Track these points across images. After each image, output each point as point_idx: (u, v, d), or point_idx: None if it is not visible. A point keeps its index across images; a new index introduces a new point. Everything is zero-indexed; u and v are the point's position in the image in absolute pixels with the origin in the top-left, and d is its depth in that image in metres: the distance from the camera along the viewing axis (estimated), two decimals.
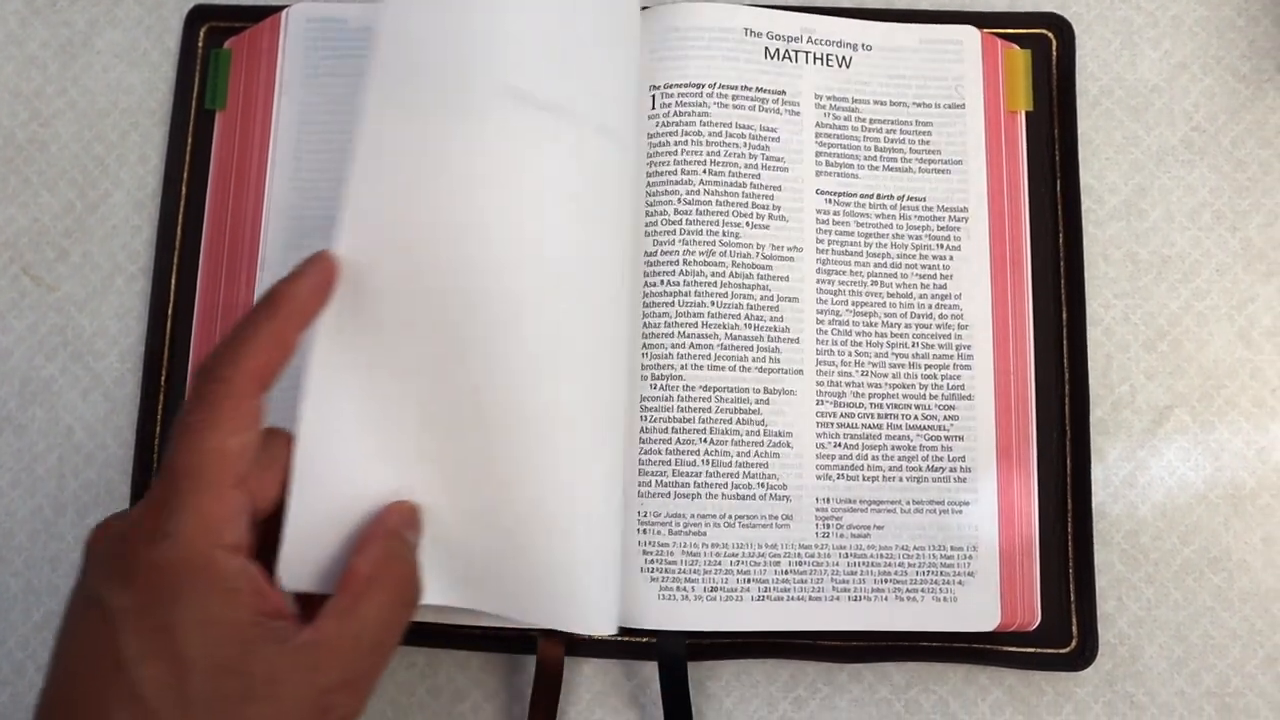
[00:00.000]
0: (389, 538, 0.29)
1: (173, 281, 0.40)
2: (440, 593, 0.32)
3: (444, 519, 0.32)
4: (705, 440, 0.36)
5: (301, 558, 0.29)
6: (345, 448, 0.30)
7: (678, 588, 0.36)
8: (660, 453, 0.36)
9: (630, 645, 0.37)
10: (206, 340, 0.39)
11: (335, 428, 0.30)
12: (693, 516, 0.36)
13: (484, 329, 0.31)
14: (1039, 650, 0.37)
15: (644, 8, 0.40)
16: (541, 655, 0.36)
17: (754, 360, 0.37)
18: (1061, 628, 0.37)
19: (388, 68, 0.30)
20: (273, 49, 0.41)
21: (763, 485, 0.36)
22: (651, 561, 0.36)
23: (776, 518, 0.36)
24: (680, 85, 0.38)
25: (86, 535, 0.28)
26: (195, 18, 0.42)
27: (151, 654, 0.25)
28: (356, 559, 0.28)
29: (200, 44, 0.42)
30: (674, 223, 0.38)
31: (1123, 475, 0.39)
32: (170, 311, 0.40)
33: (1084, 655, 0.37)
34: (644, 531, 0.36)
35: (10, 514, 0.40)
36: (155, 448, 0.39)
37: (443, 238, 0.30)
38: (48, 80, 0.43)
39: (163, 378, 0.40)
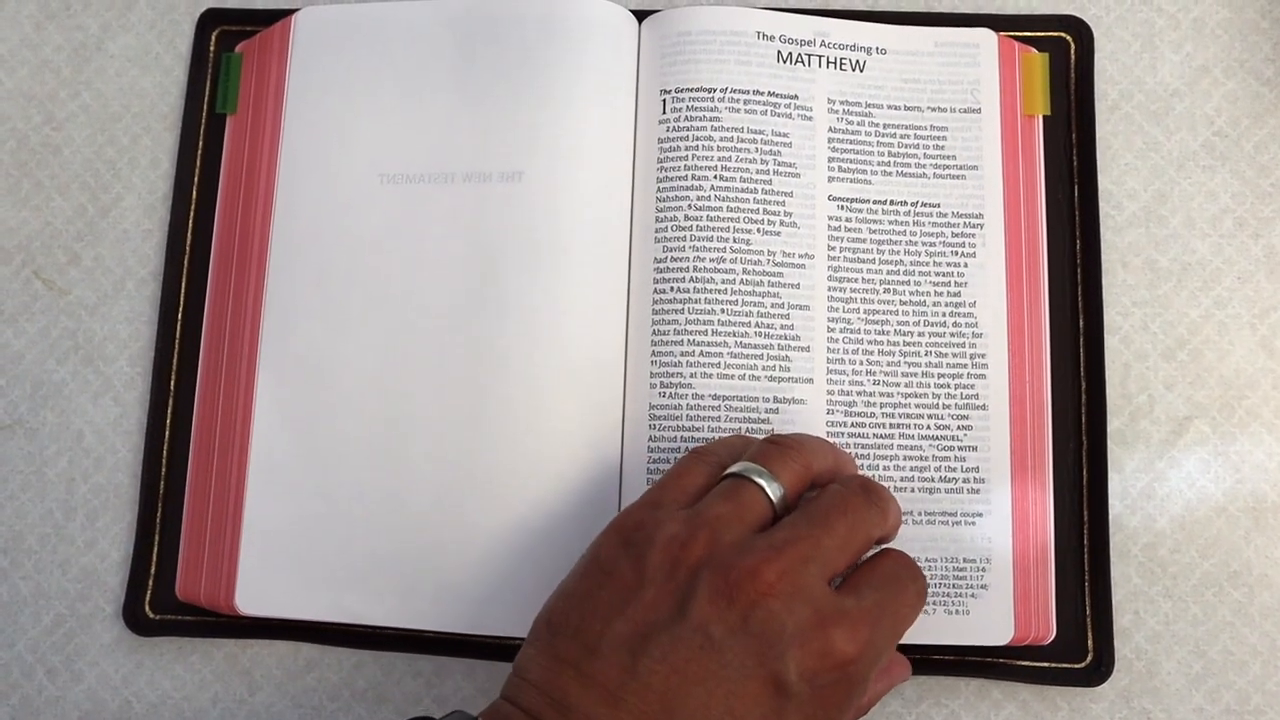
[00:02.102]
0: (901, 568, 0.31)
1: (183, 286, 0.40)
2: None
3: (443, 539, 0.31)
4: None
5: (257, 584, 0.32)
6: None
7: None
8: (669, 462, 0.36)
9: None
10: (215, 344, 0.39)
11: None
12: None
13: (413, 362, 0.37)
14: (1054, 665, 0.36)
15: (651, 13, 0.40)
16: None
17: (764, 369, 0.36)
18: (1077, 642, 0.36)
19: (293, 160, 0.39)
20: (283, 53, 0.40)
21: None
22: None
23: None
24: (691, 90, 0.38)
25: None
26: (207, 21, 0.42)
27: (754, 684, 0.27)
28: (875, 577, 0.31)
29: (212, 48, 0.42)
30: (684, 229, 0.37)
31: (1140, 487, 0.38)
32: (180, 316, 0.40)
33: (1100, 670, 0.36)
34: None
35: (21, 517, 0.40)
36: (164, 452, 0.39)
37: (356, 288, 0.38)
38: (61, 84, 0.43)
39: (172, 382, 0.40)
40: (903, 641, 0.35)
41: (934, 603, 0.36)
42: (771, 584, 0.28)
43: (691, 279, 0.37)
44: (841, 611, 0.28)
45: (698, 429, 0.36)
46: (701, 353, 0.36)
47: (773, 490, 0.30)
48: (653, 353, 0.36)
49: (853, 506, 0.30)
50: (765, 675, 0.27)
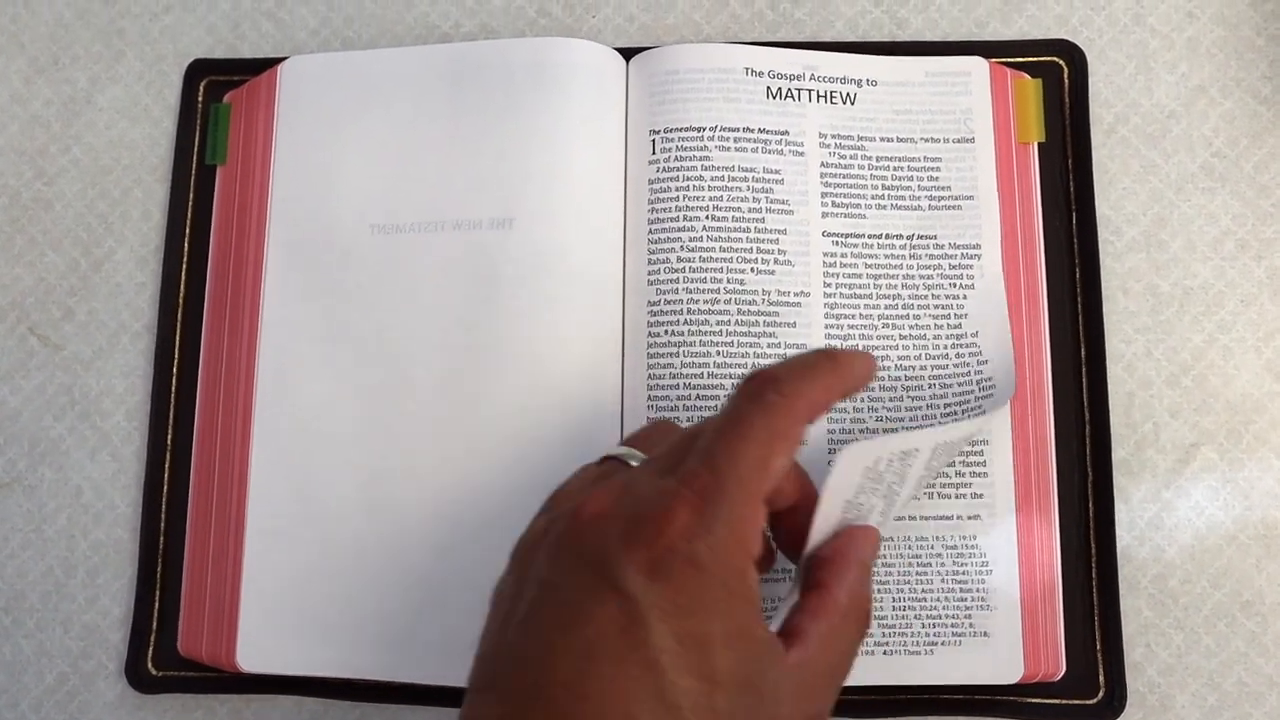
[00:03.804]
0: (862, 568, 0.28)
1: (177, 338, 0.40)
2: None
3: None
4: None
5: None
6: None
7: None
8: None
9: None
10: (211, 397, 0.39)
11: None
12: None
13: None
14: (1065, 701, 0.35)
15: (638, 51, 0.40)
16: None
17: None
18: (1088, 677, 0.36)
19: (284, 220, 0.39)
20: (270, 102, 0.40)
21: None
22: None
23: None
24: (680, 129, 0.38)
25: (569, 493, 0.27)
26: (195, 72, 0.42)
27: (686, 664, 0.24)
28: (833, 583, 0.27)
29: (200, 98, 0.42)
30: (677, 270, 0.37)
31: (1148, 517, 0.37)
32: (175, 369, 0.40)
33: (1112, 706, 0.35)
34: None
35: (22, 575, 0.40)
36: (162, 507, 0.39)
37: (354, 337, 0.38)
38: (51, 139, 0.43)
39: (169, 436, 0.39)
40: (910, 683, 0.35)
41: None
42: (593, 510, 0.26)
43: (686, 321, 0.36)
44: (662, 489, 0.25)
45: None
46: (698, 396, 0.36)
47: (637, 464, 0.28)
48: (649, 397, 0.36)
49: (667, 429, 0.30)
50: (607, 592, 0.24)
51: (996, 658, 0.35)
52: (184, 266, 0.41)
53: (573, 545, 0.25)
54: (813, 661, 0.26)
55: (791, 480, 0.29)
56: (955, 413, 0.37)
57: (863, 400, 0.37)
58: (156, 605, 0.38)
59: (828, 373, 0.28)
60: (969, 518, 0.36)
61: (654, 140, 0.38)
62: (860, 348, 0.37)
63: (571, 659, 0.24)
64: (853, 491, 0.29)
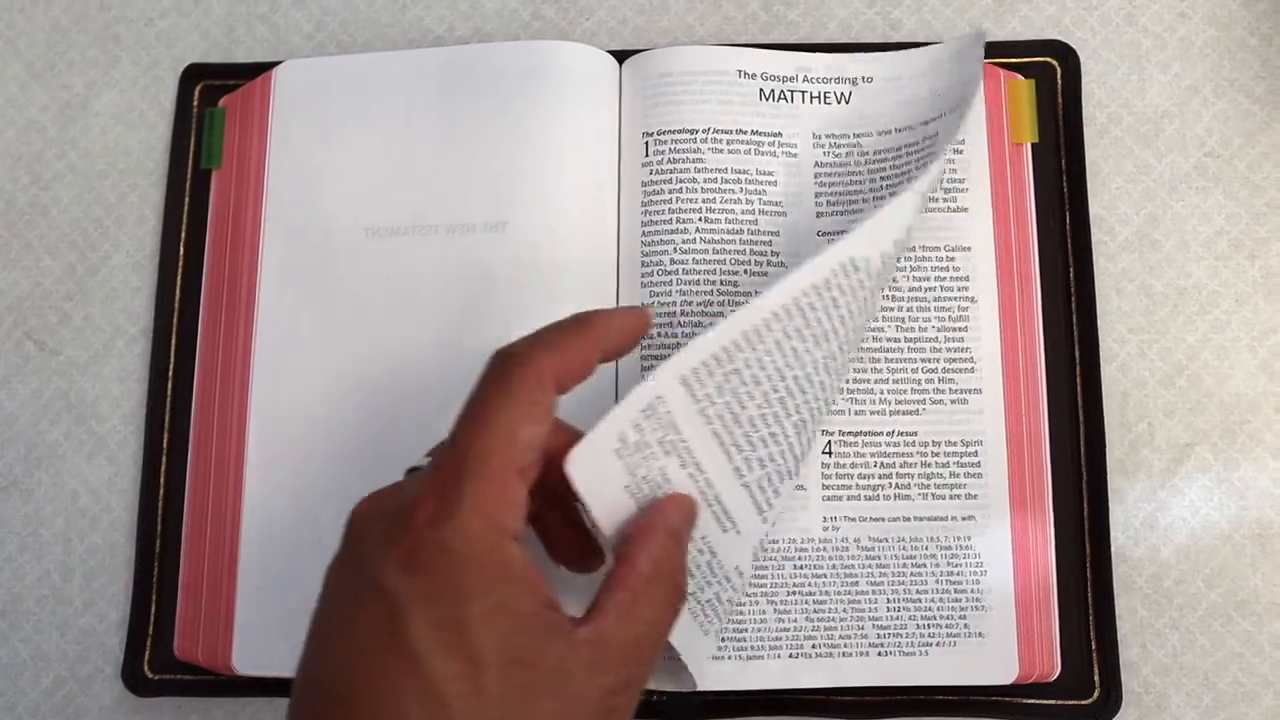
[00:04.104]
0: (668, 536, 0.28)
1: (173, 342, 0.40)
2: None
3: None
4: None
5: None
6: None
7: None
8: None
9: (640, 705, 0.36)
10: (207, 401, 0.39)
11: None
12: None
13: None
14: (1060, 702, 0.35)
15: (631, 54, 0.40)
16: None
17: None
18: (1083, 678, 0.36)
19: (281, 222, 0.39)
20: (265, 107, 0.40)
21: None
22: None
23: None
24: (673, 131, 0.38)
25: (354, 506, 0.26)
26: (190, 76, 0.42)
27: (446, 649, 0.23)
28: (636, 553, 0.27)
29: (195, 103, 0.42)
30: (670, 272, 0.37)
31: (1143, 517, 0.37)
32: (171, 373, 0.40)
33: (1107, 706, 0.35)
34: None
35: (18, 579, 0.40)
36: (159, 510, 0.39)
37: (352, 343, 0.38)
38: (47, 144, 0.43)
39: (165, 439, 0.39)
40: (905, 684, 0.35)
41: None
42: (358, 517, 0.26)
43: (679, 323, 0.36)
44: (414, 482, 0.26)
45: None
46: None
47: None
48: None
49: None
50: (368, 593, 0.24)
51: (991, 658, 0.35)
52: (180, 271, 0.41)
53: (344, 554, 0.26)
54: (610, 634, 0.25)
55: (569, 442, 0.28)
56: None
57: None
58: (153, 609, 0.38)
59: (575, 335, 0.27)
60: (963, 518, 0.36)
61: (647, 142, 0.38)
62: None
63: (344, 664, 0.24)
64: (619, 469, 0.28)
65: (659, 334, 0.37)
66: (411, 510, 0.25)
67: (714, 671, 0.35)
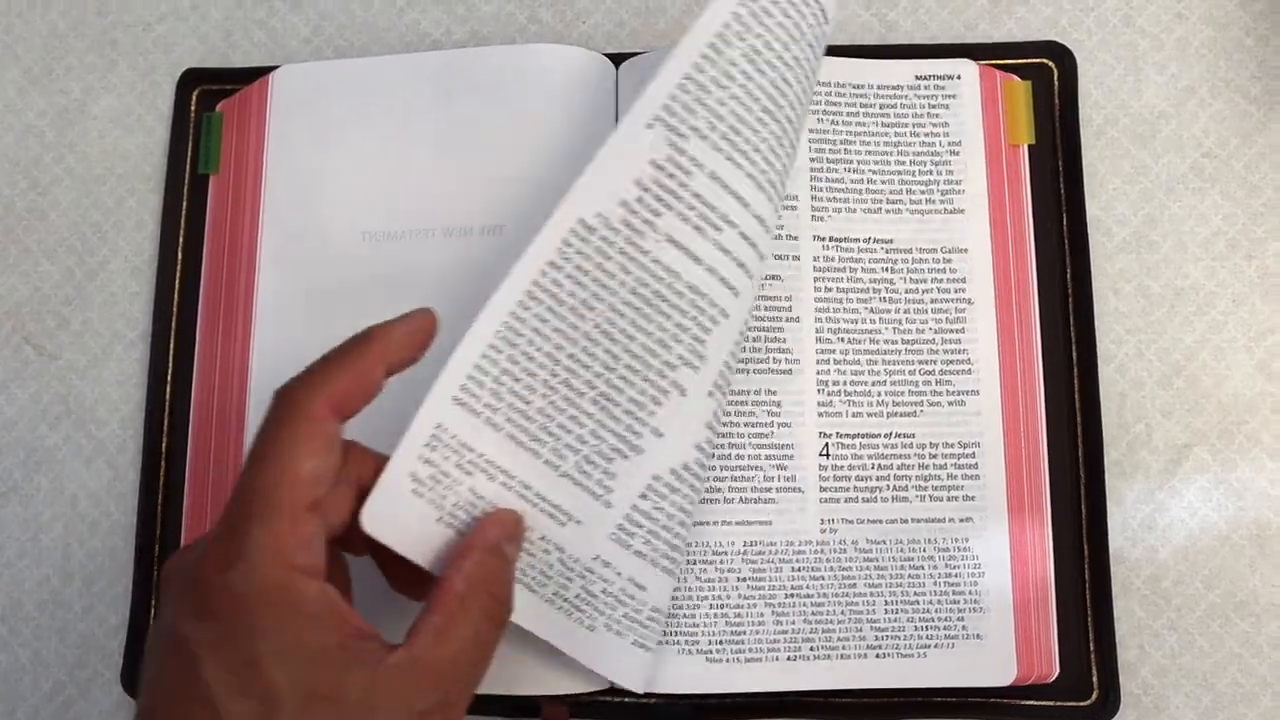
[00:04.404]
0: (486, 553, 0.28)
1: (171, 347, 0.40)
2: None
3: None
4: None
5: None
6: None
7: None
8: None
9: (636, 707, 0.36)
10: (205, 406, 0.39)
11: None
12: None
13: None
14: (1059, 703, 0.35)
15: (628, 56, 0.40)
16: (546, 717, 0.35)
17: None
18: (1082, 679, 0.36)
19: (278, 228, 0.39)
20: (262, 111, 0.40)
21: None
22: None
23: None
24: None
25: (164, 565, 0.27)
26: (187, 81, 0.43)
27: (238, 689, 0.24)
28: (452, 574, 0.27)
29: (193, 107, 0.42)
30: None
31: (1141, 518, 0.37)
32: (169, 377, 0.40)
33: (1106, 707, 0.35)
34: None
35: (18, 584, 0.40)
36: (158, 514, 0.39)
37: None
38: (45, 149, 0.43)
39: (164, 443, 0.39)
40: (903, 686, 0.35)
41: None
42: (164, 573, 0.27)
43: None
44: (211, 529, 0.26)
45: None
46: None
47: None
48: None
49: None
50: (170, 642, 0.25)
51: (990, 660, 0.35)
52: (178, 275, 0.41)
53: (156, 610, 0.27)
54: (423, 656, 0.26)
55: (350, 489, 0.28)
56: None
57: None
58: (153, 613, 0.38)
59: (353, 357, 0.27)
60: (960, 520, 0.36)
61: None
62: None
63: (152, 714, 0.25)
64: (424, 507, 0.29)
65: None
66: (202, 559, 0.25)
67: (708, 675, 0.35)
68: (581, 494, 0.31)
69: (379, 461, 0.29)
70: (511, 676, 0.34)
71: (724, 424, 0.36)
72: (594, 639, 0.32)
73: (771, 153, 0.32)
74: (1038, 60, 0.40)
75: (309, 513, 0.26)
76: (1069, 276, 0.38)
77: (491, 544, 0.28)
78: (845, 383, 0.37)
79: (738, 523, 0.35)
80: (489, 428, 0.30)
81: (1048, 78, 0.40)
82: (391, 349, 0.28)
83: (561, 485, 0.30)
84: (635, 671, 0.33)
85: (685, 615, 0.35)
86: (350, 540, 0.29)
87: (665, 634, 0.35)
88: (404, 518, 0.29)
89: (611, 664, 0.33)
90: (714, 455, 0.35)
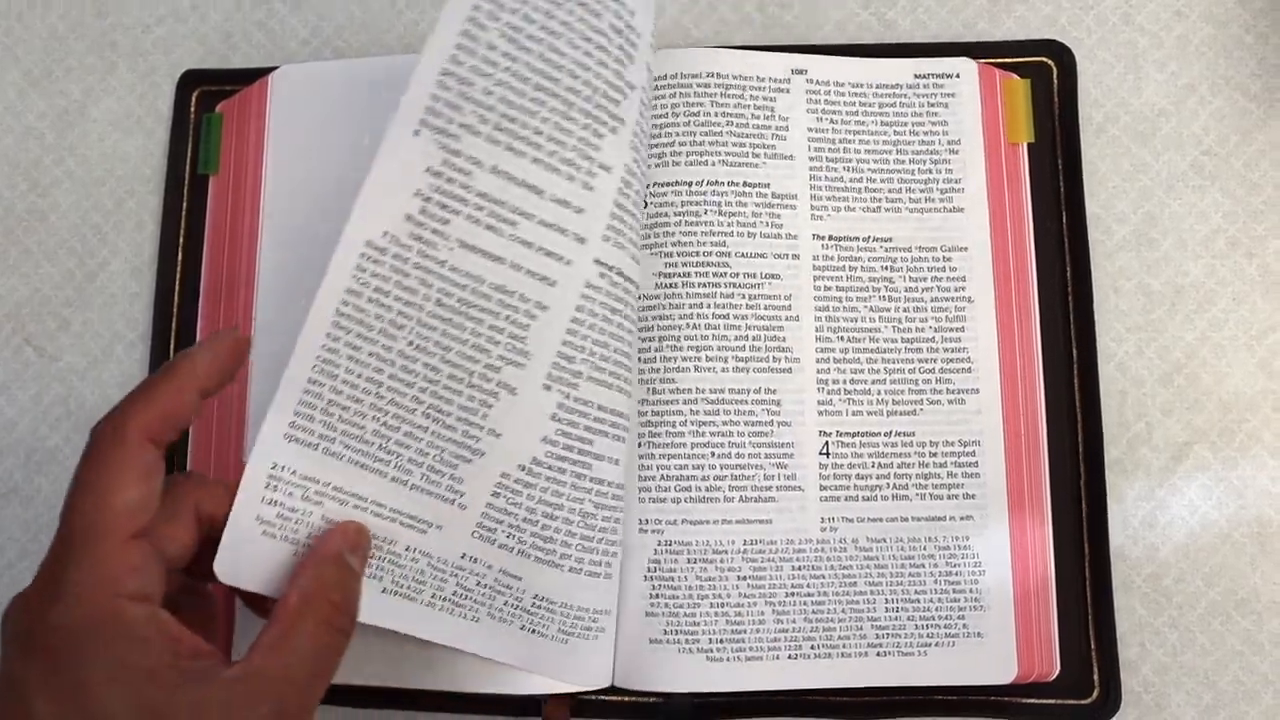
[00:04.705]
0: (322, 564, 0.29)
1: (171, 347, 0.40)
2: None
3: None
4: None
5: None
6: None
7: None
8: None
9: (636, 706, 0.36)
10: (205, 406, 0.39)
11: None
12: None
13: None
14: (1060, 702, 0.35)
15: None
16: (547, 716, 0.35)
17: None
18: (1082, 677, 0.36)
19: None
20: (261, 111, 0.40)
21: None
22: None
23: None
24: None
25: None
26: (187, 82, 0.43)
27: (66, 717, 0.24)
28: (290, 587, 0.28)
29: (192, 109, 0.42)
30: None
31: (1142, 516, 0.37)
32: None
33: (1107, 705, 0.35)
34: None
35: (18, 586, 0.39)
36: None
37: None
38: (45, 150, 0.43)
39: None
40: (904, 684, 0.35)
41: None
42: (5, 610, 0.27)
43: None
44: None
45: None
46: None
47: None
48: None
49: None
50: (4, 683, 0.25)
51: (990, 658, 0.35)
52: (178, 276, 0.41)
53: None
54: (259, 669, 0.26)
55: (217, 497, 0.29)
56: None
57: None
58: None
59: (163, 384, 0.28)
60: (961, 518, 0.36)
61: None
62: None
63: None
64: (277, 546, 0.29)
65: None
66: (29, 598, 0.26)
67: (708, 674, 0.35)
68: (434, 501, 0.31)
69: (220, 489, 0.29)
70: (513, 676, 0.34)
71: (725, 422, 0.36)
72: (480, 629, 0.33)
73: (558, 129, 0.31)
74: (1037, 58, 0.40)
75: (133, 541, 0.26)
76: (1069, 274, 0.38)
77: (330, 554, 0.29)
78: (845, 381, 0.37)
79: (738, 521, 0.35)
80: (329, 457, 0.30)
81: (1047, 76, 0.40)
82: (201, 373, 0.29)
83: (414, 497, 0.31)
84: (544, 659, 0.33)
85: (685, 614, 0.35)
86: (205, 571, 0.30)
87: (587, 628, 0.34)
88: (259, 559, 0.29)
89: (502, 650, 0.33)
90: (563, 443, 0.33)
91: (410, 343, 0.30)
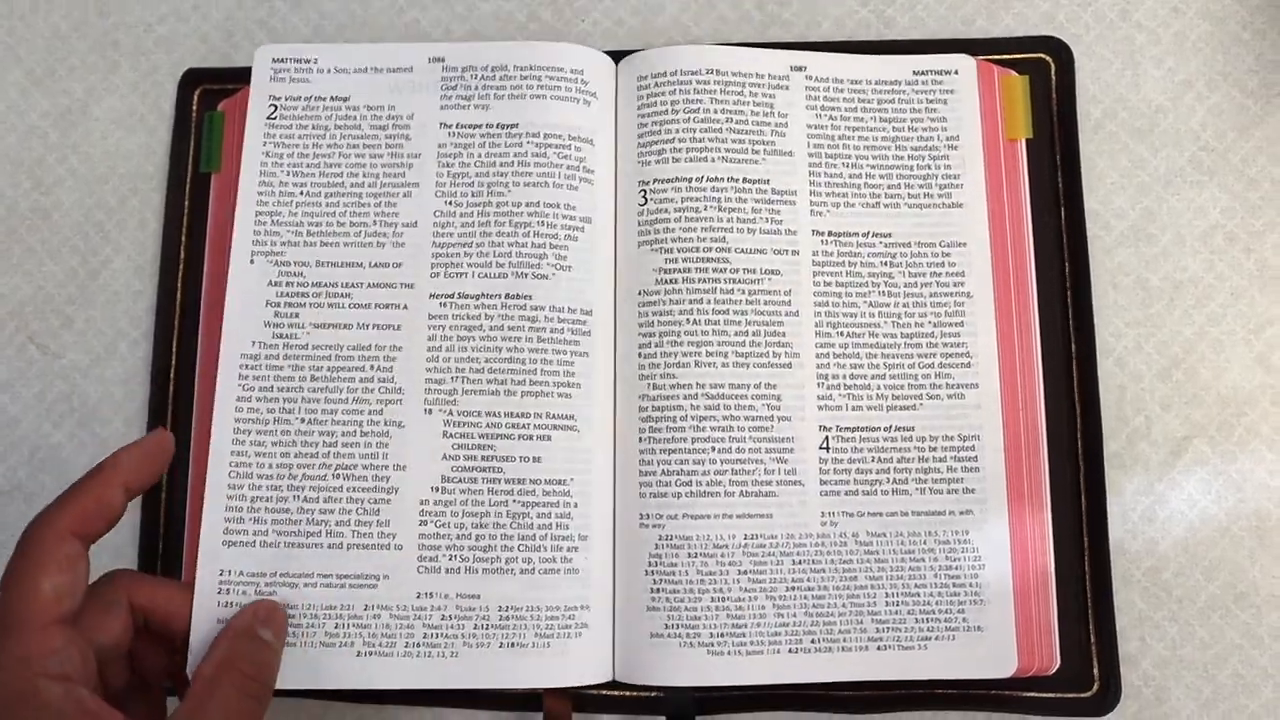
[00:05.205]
0: (233, 638, 0.31)
1: (174, 345, 0.40)
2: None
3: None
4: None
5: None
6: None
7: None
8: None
9: (638, 700, 0.36)
10: (208, 404, 0.39)
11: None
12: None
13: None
14: (1060, 695, 0.36)
15: (625, 55, 0.40)
16: (548, 712, 0.36)
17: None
18: (1082, 671, 0.36)
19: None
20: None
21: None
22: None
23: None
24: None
25: None
26: (189, 81, 0.43)
27: None
28: (203, 661, 0.30)
29: (194, 107, 0.42)
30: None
31: (1141, 510, 0.38)
32: (173, 375, 0.40)
33: (1107, 699, 0.36)
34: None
35: None
36: (161, 513, 0.39)
37: None
38: (48, 149, 0.43)
39: None
40: (904, 678, 0.35)
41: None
42: None
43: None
44: None
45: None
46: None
47: None
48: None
49: None
50: None
51: (990, 652, 0.35)
52: (181, 273, 0.41)
53: None
54: None
55: (149, 589, 0.32)
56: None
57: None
58: None
59: (89, 483, 0.31)
60: (961, 512, 0.36)
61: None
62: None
63: None
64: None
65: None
66: None
67: (709, 667, 0.35)
68: (373, 554, 0.35)
69: (152, 582, 0.32)
70: (512, 669, 0.35)
71: (725, 417, 0.36)
72: (460, 664, 0.34)
73: (355, 215, 0.38)
74: (1035, 55, 0.40)
75: (56, 626, 0.28)
76: (1067, 270, 0.38)
77: (241, 629, 0.31)
78: (845, 376, 0.37)
79: (738, 516, 0.36)
80: (266, 549, 0.35)
81: (1045, 72, 0.40)
82: (127, 472, 0.31)
83: (353, 556, 0.35)
84: (533, 669, 0.34)
85: (687, 608, 0.35)
86: (145, 666, 0.32)
87: (565, 626, 0.35)
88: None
89: (489, 675, 0.34)
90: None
91: (303, 419, 0.36)
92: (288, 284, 0.37)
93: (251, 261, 0.37)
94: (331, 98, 0.39)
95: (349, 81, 0.39)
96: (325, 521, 0.35)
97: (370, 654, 0.35)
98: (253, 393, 0.36)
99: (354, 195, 0.38)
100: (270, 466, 0.36)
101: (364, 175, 0.38)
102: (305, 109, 0.39)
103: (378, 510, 0.35)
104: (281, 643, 0.32)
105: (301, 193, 0.38)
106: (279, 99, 0.39)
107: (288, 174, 0.38)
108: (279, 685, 0.34)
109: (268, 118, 0.39)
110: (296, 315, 0.37)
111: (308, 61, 0.40)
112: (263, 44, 0.43)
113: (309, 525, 0.35)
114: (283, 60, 0.40)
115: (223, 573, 0.35)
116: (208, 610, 0.34)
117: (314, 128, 0.39)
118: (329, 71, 0.39)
